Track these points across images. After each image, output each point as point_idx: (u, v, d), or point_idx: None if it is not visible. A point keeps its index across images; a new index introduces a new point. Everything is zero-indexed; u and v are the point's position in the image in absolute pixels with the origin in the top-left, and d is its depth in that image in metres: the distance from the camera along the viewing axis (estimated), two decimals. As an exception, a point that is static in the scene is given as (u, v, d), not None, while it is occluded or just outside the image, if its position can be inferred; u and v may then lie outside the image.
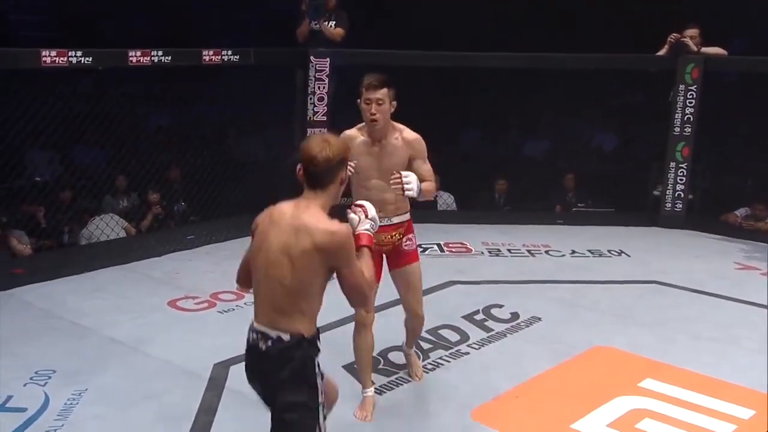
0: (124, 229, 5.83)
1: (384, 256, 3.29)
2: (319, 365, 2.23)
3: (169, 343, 3.96)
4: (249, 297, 4.69)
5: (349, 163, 2.41)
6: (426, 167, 3.17)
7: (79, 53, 4.74)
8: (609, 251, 5.74)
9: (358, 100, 3.12)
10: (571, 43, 6.60)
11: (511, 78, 6.41)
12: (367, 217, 2.36)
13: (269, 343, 2.20)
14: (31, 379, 3.47)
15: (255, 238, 2.29)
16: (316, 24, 6.11)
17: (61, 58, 4.69)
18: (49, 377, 3.50)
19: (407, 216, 3.29)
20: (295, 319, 2.19)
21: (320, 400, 2.22)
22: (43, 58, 4.63)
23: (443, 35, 7.70)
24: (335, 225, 2.18)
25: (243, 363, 3.69)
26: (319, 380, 2.23)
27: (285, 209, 2.24)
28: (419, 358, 3.73)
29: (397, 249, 3.29)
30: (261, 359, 2.22)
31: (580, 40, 6.72)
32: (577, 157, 7.46)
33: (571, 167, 7.10)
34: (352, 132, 3.19)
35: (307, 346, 2.20)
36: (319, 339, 2.26)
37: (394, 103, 3.11)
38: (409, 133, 3.20)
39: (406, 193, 2.98)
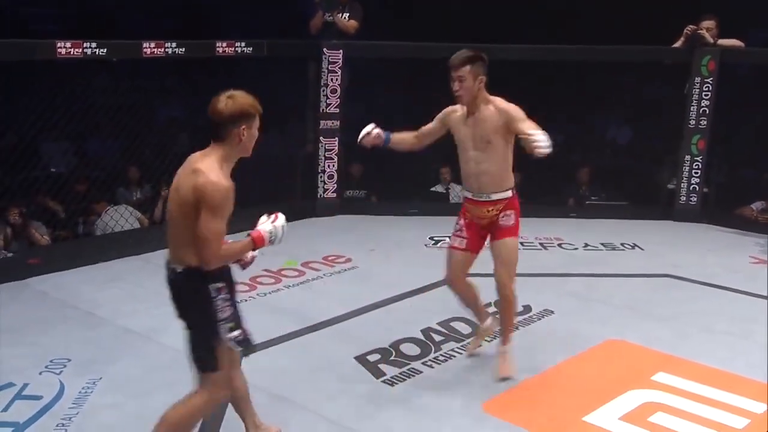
0: (138, 219, 5.86)
1: (486, 232, 3.48)
2: (217, 291, 2.48)
3: (183, 333, 3.98)
4: (261, 288, 4.72)
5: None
6: (527, 124, 3.17)
7: (93, 44, 4.77)
8: (622, 244, 5.71)
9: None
10: (587, 36, 6.55)
11: (524, 70, 6.37)
12: (272, 222, 2.61)
13: (171, 274, 2.51)
14: (46, 367, 3.52)
15: None
16: (329, 16, 6.10)
17: (76, 50, 4.71)
18: (64, 366, 3.54)
19: (508, 193, 3.40)
20: (185, 252, 2.44)
21: (220, 317, 2.50)
22: (58, 50, 4.66)
23: (456, 26, 7.66)
24: (218, 177, 2.38)
25: (256, 353, 3.76)
26: (216, 303, 2.48)
27: (192, 156, 2.49)
28: (506, 359, 3.55)
29: (494, 223, 3.42)
30: (170, 289, 2.54)
31: (594, 33, 6.68)
32: (590, 150, 7.41)
33: (585, 160, 7.06)
34: (454, 107, 3.44)
35: (199, 276, 2.44)
36: (216, 273, 2.47)
37: (482, 77, 3.28)
38: (502, 103, 3.32)
39: (539, 150, 2.99)
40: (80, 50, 4.73)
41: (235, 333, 2.55)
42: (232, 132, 2.44)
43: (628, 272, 5.10)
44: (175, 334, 3.94)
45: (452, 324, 4.14)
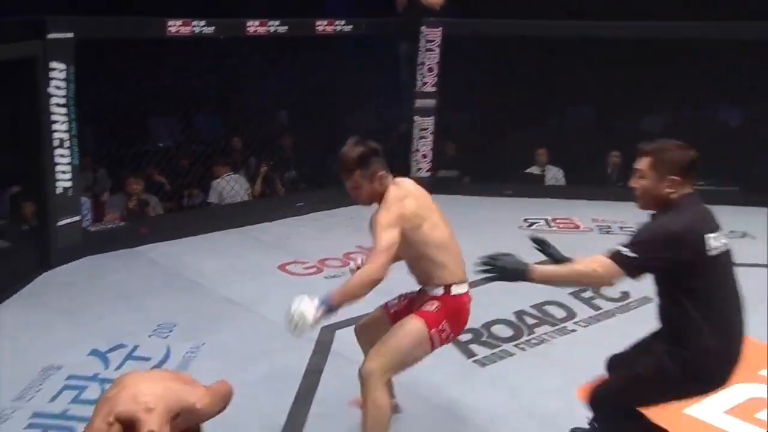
0: (247, 193, 6.03)
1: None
2: None
3: (280, 305, 4.07)
4: (353, 264, 4.78)
5: None
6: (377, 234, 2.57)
7: (201, 23, 4.94)
8: (731, 232, 5.40)
9: None
10: (693, 9, 6.20)
11: (629, 49, 6.11)
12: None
13: None
14: (154, 331, 3.72)
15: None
16: None
17: (185, 28, 4.89)
18: (171, 331, 3.73)
19: (438, 291, 2.70)
20: None
21: None
22: (169, 28, 4.85)
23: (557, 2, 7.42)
24: None
25: (348, 327, 3.83)
26: None
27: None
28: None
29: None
30: None
31: (701, 6, 6.31)
32: (699, 133, 7.04)
33: (693, 143, 6.70)
34: None
35: None
36: None
37: (380, 173, 2.67)
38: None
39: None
40: (189, 28, 4.91)
41: None
42: None
43: (738, 261, 4.83)
44: (273, 306, 4.09)
45: (546, 308, 4.07)
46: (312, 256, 4.81)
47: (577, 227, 5.53)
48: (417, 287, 2.83)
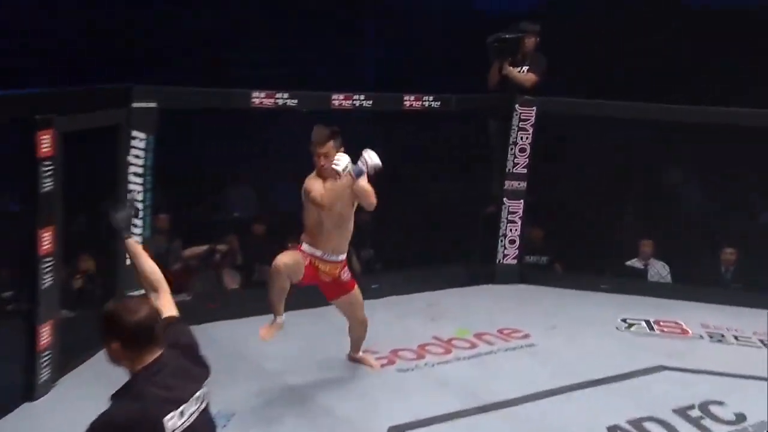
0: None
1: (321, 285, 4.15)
2: None
3: (351, 401, 4.02)
4: (430, 357, 4.67)
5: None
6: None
7: (285, 95, 5.12)
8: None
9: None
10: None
11: (747, 135, 5.89)
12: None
13: None
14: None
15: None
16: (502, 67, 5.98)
17: (269, 100, 5.09)
18: (228, 421, 3.69)
19: (345, 255, 4.13)
20: None
21: None
22: (253, 99, 5.06)
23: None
24: None
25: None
26: None
27: None
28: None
29: (336, 281, 4.10)
30: None
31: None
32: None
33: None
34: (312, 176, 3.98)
35: None
36: None
37: (342, 148, 3.89)
38: None
39: (334, 166, 3.71)
40: (272, 100, 5.10)
41: None
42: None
43: None
44: (343, 401, 4.00)
45: (645, 424, 3.82)
46: (384, 347, 4.73)
47: (685, 332, 5.23)
48: None
